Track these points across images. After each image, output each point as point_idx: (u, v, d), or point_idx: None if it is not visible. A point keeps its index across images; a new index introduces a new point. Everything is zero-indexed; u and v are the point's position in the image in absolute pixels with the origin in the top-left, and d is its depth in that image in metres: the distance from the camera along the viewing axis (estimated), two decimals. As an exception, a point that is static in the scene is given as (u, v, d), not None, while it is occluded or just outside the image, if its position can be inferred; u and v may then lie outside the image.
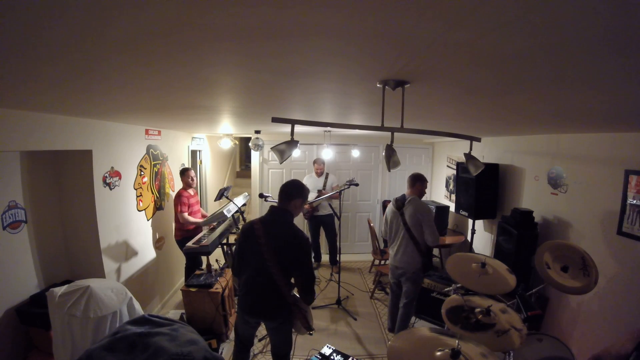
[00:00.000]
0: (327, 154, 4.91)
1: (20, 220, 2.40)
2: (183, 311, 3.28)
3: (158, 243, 3.91)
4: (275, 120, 1.33)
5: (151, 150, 3.68)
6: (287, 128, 2.30)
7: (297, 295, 2.17)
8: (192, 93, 1.50)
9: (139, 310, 2.32)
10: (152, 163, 3.72)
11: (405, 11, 0.60)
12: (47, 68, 1.01)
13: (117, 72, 1.09)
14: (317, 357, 2.39)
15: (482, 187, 3.64)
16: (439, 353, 1.35)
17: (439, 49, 0.80)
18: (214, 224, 3.82)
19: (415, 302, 3.16)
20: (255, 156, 5.63)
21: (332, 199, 4.64)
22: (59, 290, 2.10)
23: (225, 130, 4.61)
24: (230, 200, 3.72)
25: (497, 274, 2.10)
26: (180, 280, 4.45)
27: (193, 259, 3.90)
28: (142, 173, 3.48)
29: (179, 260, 4.25)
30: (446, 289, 2.67)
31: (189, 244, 3.31)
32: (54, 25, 0.67)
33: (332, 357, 2.39)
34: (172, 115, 2.48)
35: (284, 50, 0.85)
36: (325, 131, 4.44)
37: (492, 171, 3.71)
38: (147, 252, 3.64)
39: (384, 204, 5.64)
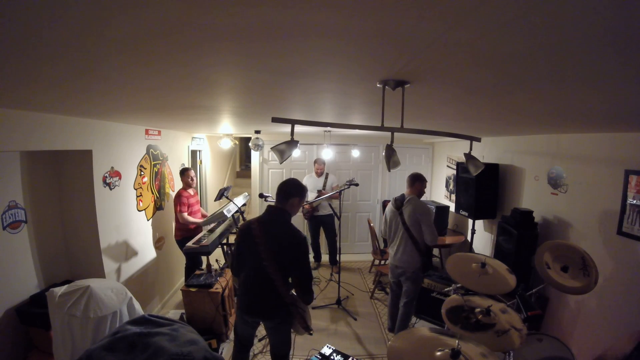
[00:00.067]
0: (327, 154, 4.91)
1: (20, 220, 2.40)
2: (183, 311, 3.28)
3: (158, 243, 3.91)
4: (275, 120, 1.33)
5: (151, 150, 3.68)
6: (287, 128, 2.30)
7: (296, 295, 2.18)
8: (192, 93, 1.50)
9: (139, 310, 2.32)
10: (152, 163, 3.72)
11: (405, 11, 0.60)
12: (47, 68, 1.01)
13: (117, 72, 1.09)
14: (317, 357, 2.39)
15: (482, 187, 3.64)
16: (439, 353, 1.35)
17: (439, 49, 0.80)
18: (214, 224, 3.82)
19: (416, 301, 3.16)
20: (255, 156, 5.63)
21: (332, 199, 4.64)
22: (59, 290, 2.10)
23: (225, 130, 4.61)
24: (230, 200, 3.72)
25: (497, 274, 2.10)
26: (180, 280, 4.45)
27: (193, 259, 3.90)
28: (142, 173, 3.48)
29: (179, 260, 4.25)
30: (446, 289, 2.67)
31: (189, 244, 3.31)
32: (54, 25, 0.67)
33: (332, 357, 2.38)
34: (172, 115, 2.48)
35: (284, 50, 0.85)
36: (325, 131, 4.45)
37: (492, 171, 3.70)
38: (147, 252, 3.64)
39: (384, 204, 5.64)
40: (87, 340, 1.97)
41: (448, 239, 4.40)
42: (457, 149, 4.85)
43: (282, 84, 1.28)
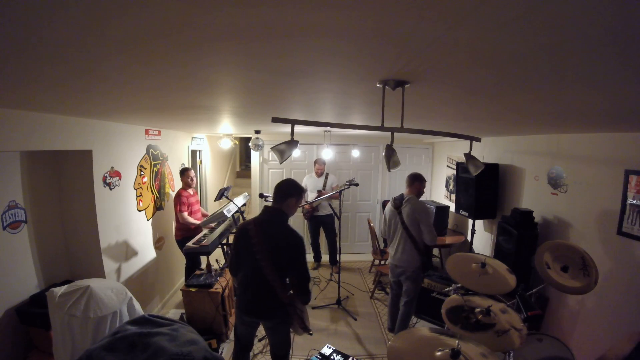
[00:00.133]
0: (327, 154, 4.91)
1: (20, 220, 2.40)
2: (183, 311, 3.28)
3: (158, 243, 3.91)
4: (275, 120, 1.33)
5: (151, 150, 3.68)
6: (287, 128, 2.30)
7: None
8: (192, 93, 1.50)
9: (139, 310, 2.32)
10: (152, 163, 3.72)
11: (405, 11, 0.60)
12: (47, 68, 1.01)
13: (117, 72, 1.09)
14: (317, 357, 2.39)
15: (482, 187, 3.64)
16: (439, 353, 1.35)
17: (439, 49, 0.80)
18: (214, 224, 3.82)
19: (416, 301, 3.16)
20: (255, 156, 5.63)
21: (332, 199, 4.64)
22: (59, 290, 2.10)
23: (225, 130, 4.61)
24: (230, 200, 3.72)
25: (497, 274, 2.10)
26: (180, 280, 4.45)
27: (193, 259, 3.90)
28: (142, 173, 3.48)
29: (179, 260, 4.25)
30: (446, 289, 2.67)
31: (189, 244, 3.31)
32: (54, 25, 0.67)
33: (332, 357, 2.38)
34: (172, 115, 2.48)
35: (284, 50, 0.85)
36: (325, 131, 4.44)
37: (492, 171, 3.70)
38: (147, 252, 3.64)
39: (384, 204, 5.63)
40: (87, 340, 1.97)
41: (448, 239, 4.40)
42: (457, 149, 4.85)
43: (282, 84, 1.28)
